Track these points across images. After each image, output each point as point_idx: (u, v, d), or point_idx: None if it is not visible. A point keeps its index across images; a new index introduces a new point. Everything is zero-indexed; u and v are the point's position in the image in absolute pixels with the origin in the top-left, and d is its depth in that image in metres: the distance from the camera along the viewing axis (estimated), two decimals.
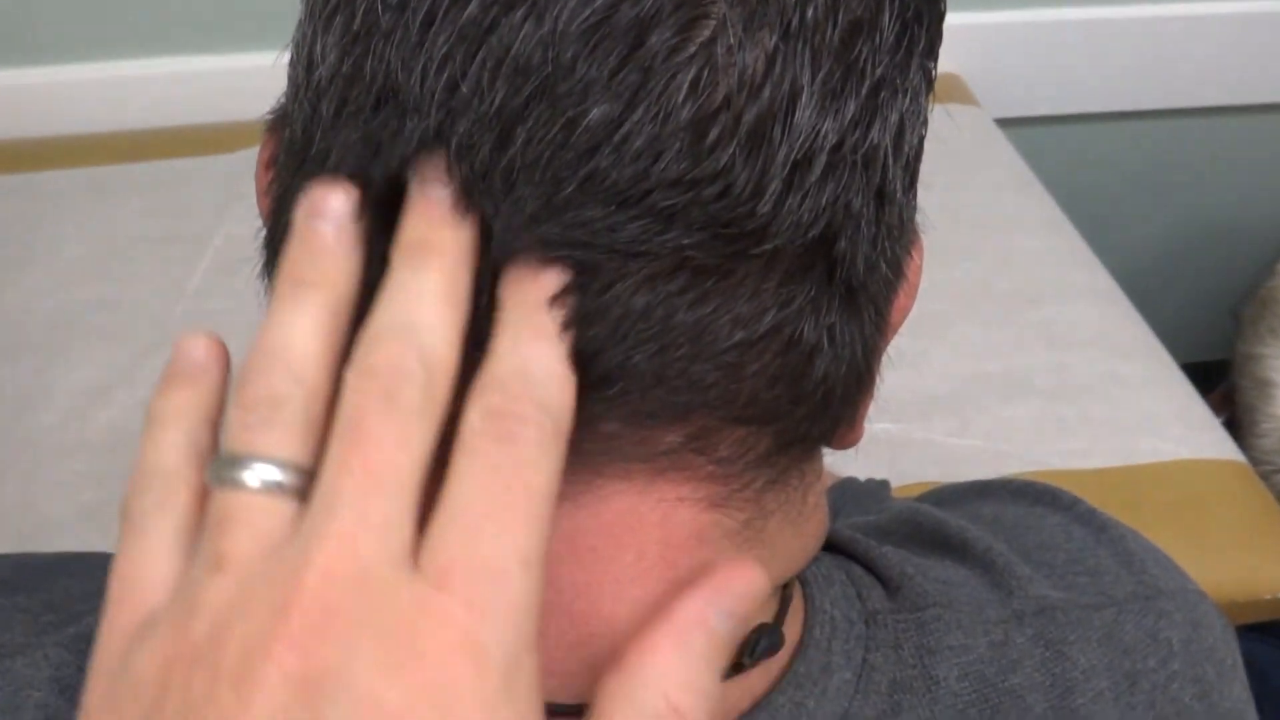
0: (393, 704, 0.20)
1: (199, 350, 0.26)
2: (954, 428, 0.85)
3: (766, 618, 0.30)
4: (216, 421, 0.26)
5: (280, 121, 0.28)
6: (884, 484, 0.69)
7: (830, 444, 0.32)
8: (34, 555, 0.39)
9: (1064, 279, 0.99)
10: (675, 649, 0.23)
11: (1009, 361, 0.90)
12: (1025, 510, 0.42)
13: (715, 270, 0.24)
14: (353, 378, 0.23)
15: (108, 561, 0.39)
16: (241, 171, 1.15)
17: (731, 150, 0.23)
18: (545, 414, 0.23)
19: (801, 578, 0.33)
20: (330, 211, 0.24)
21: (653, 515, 0.27)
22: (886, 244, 0.27)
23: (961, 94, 1.21)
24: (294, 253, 0.24)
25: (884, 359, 0.30)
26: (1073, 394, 0.88)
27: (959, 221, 1.02)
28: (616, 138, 0.23)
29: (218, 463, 0.23)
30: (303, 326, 0.24)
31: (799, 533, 0.31)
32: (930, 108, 0.28)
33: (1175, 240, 1.42)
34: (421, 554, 0.22)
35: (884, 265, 0.27)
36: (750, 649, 0.29)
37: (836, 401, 0.28)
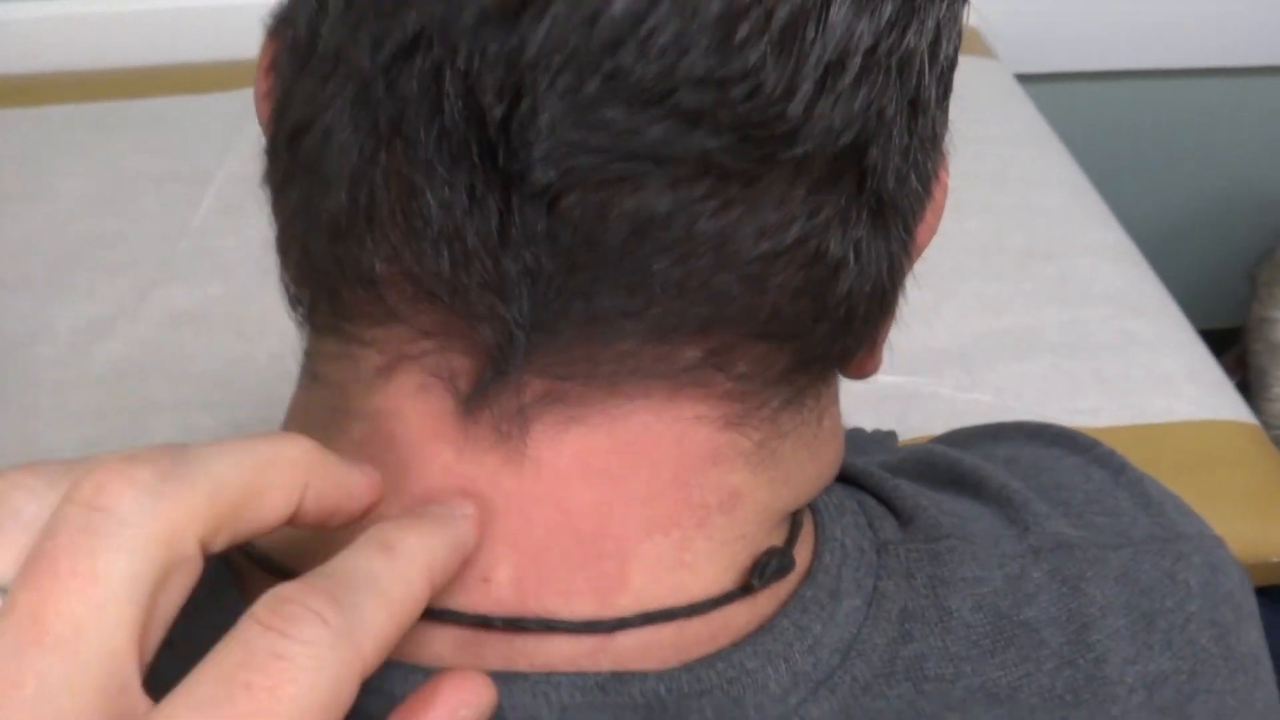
0: None
1: None
2: (963, 382, 0.84)
3: (777, 542, 0.30)
4: None
5: (283, 24, 0.27)
6: (891, 434, 0.68)
7: (849, 371, 0.31)
8: None
9: (1079, 235, 0.98)
10: None
11: (1020, 317, 0.89)
12: (1042, 451, 0.41)
13: (741, 176, 0.23)
14: (63, 501, 0.20)
15: None
16: (243, 110, 1.13)
17: (762, 49, 0.22)
18: (345, 621, 0.20)
19: (812, 506, 0.33)
20: None
21: (669, 434, 0.26)
22: (919, 156, 0.26)
23: (979, 47, 1.19)
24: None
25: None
26: (1085, 351, 0.87)
27: (973, 176, 1.01)
28: (641, 32, 0.22)
29: None
30: None
31: (814, 457, 0.30)
32: (966, 19, 0.27)
33: (1192, 203, 1.41)
34: None
35: (914, 179, 0.26)
36: (759, 571, 0.28)
37: (859, 320, 0.27)
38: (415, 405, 0.26)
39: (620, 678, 0.26)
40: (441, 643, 0.26)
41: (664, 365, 0.25)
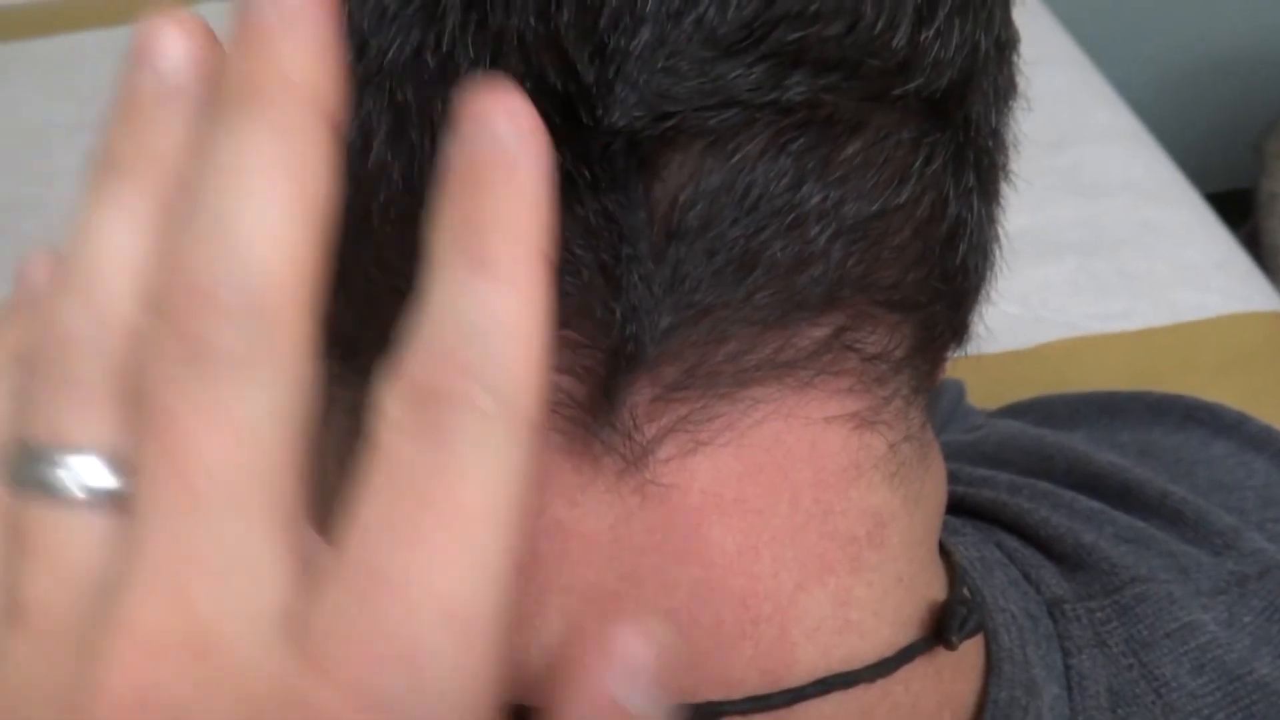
0: None
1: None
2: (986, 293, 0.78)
3: (937, 590, 0.25)
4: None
5: None
6: None
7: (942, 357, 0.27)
8: None
9: (1086, 119, 0.92)
10: None
11: (1037, 215, 0.83)
12: (1178, 436, 0.35)
13: (846, 122, 0.21)
14: (147, 321, 0.16)
15: None
16: None
17: None
18: (497, 397, 0.16)
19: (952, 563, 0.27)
20: (160, 56, 0.17)
21: (800, 445, 0.23)
22: (1006, 107, 0.24)
23: None
24: (109, 124, 0.18)
25: None
26: (1107, 247, 0.82)
27: None
28: None
29: (12, 452, 0.17)
30: (112, 234, 0.17)
31: (922, 458, 0.25)
32: None
33: (1189, 68, 1.34)
34: (307, 609, 0.15)
35: (1003, 136, 0.24)
36: (960, 623, 0.24)
37: (973, 288, 0.25)
38: None
39: None
40: None
41: (789, 353, 0.22)
